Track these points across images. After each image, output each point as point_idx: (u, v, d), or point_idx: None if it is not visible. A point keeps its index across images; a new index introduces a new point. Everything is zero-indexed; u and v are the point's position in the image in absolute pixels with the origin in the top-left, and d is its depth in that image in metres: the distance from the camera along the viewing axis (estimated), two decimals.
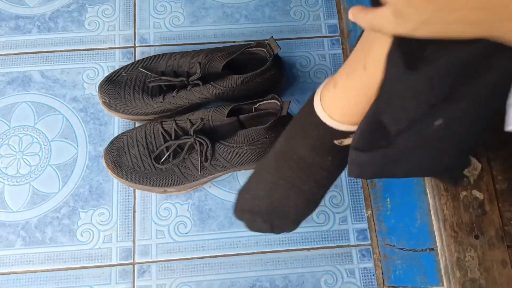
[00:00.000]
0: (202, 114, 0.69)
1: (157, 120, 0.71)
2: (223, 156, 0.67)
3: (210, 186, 0.73)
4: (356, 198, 0.74)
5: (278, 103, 0.66)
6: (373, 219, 0.72)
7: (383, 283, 0.69)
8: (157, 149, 0.68)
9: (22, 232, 0.70)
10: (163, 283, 0.69)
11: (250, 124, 0.70)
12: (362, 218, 0.73)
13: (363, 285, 0.70)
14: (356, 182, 0.74)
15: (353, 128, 0.43)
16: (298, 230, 0.72)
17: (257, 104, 0.69)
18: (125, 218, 0.72)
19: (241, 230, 0.71)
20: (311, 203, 0.55)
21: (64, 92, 0.78)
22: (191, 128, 0.67)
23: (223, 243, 0.71)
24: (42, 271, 0.69)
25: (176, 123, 0.69)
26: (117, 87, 0.72)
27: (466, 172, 0.49)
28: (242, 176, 0.74)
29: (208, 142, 0.66)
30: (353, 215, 0.73)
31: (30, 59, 0.79)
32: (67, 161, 0.73)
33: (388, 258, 0.67)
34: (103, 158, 0.70)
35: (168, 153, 0.67)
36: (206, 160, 0.67)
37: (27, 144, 0.75)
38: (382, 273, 0.70)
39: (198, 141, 0.66)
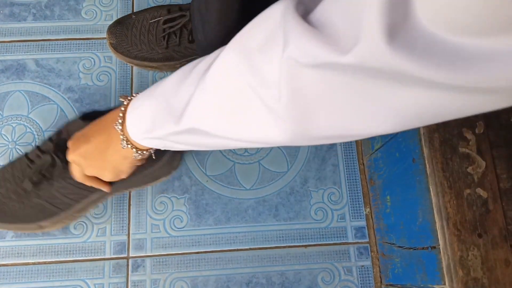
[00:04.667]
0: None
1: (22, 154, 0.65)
2: None
3: (207, 181, 0.72)
4: (354, 195, 0.73)
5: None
6: (372, 217, 0.72)
7: (381, 281, 0.69)
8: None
9: None
10: (158, 278, 0.68)
11: None
12: (360, 215, 0.72)
13: (361, 283, 0.69)
14: (355, 179, 0.73)
15: None
16: (295, 226, 0.71)
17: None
18: (119, 211, 0.70)
19: (238, 226, 0.70)
20: None
21: (59, 82, 0.76)
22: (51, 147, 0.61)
23: (220, 238, 0.70)
24: (34, 263, 0.67)
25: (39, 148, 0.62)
26: (124, 29, 0.72)
27: (470, 170, 0.49)
28: (240, 171, 0.73)
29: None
30: (351, 213, 0.72)
31: (25, 47, 0.77)
32: None
33: (386, 256, 0.66)
34: None
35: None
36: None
37: (20, 134, 0.73)
38: (380, 271, 0.69)
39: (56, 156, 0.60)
